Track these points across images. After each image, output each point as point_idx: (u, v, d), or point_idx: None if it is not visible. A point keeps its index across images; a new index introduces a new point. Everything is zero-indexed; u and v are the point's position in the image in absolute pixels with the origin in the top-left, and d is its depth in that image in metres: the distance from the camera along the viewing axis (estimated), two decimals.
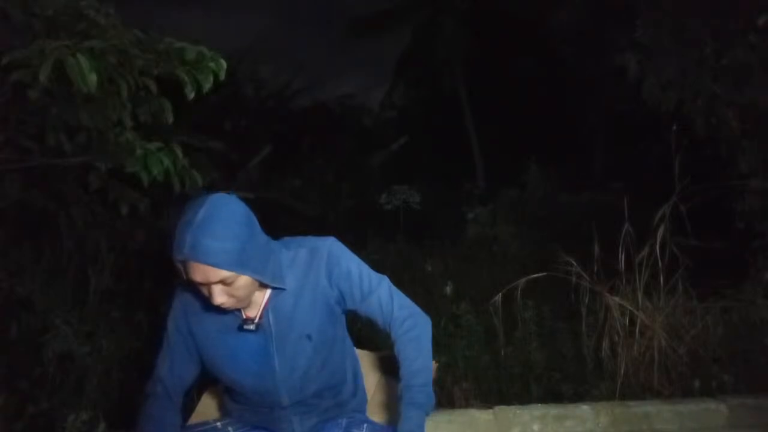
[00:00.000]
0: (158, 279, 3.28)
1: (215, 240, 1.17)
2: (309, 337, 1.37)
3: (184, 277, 1.23)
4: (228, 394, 1.52)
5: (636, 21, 3.67)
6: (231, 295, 1.24)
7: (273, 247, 1.35)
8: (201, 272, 1.19)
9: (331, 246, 1.40)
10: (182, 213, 1.22)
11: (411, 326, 1.39)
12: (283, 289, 1.35)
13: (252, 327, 1.34)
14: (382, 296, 1.40)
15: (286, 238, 1.44)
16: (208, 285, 1.22)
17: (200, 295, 1.30)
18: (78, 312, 2.97)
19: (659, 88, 3.62)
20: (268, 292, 1.37)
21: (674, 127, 3.14)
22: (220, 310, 1.28)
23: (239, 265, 1.20)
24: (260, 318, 1.36)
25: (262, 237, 1.31)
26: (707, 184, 3.06)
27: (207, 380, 1.56)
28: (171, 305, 1.44)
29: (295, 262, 1.37)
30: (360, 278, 1.39)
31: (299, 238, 1.44)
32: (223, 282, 1.21)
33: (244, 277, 1.23)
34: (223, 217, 1.20)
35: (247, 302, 1.31)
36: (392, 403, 1.52)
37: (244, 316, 1.36)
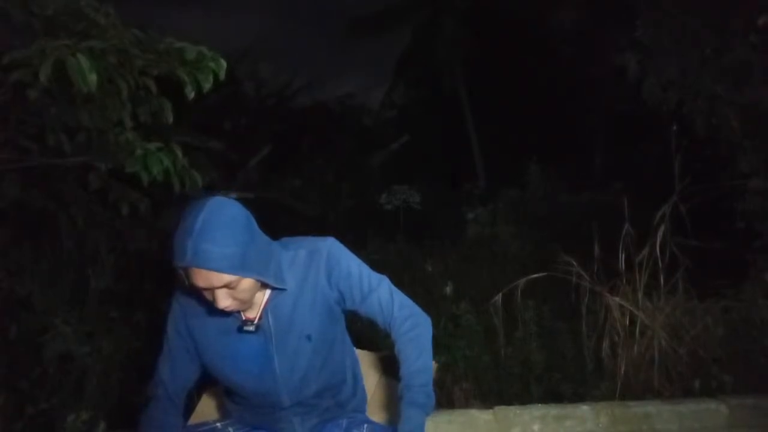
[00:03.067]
0: (158, 279, 3.28)
1: (217, 245, 1.17)
2: (309, 337, 1.37)
3: (186, 282, 1.23)
4: (228, 395, 1.52)
5: (636, 21, 3.66)
6: (234, 298, 1.25)
7: (273, 248, 1.35)
8: (204, 278, 1.19)
9: (330, 246, 1.40)
10: (180, 218, 1.22)
11: (411, 326, 1.39)
12: (284, 290, 1.35)
13: (252, 328, 1.34)
14: (382, 296, 1.40)
15: (285, 239, 1.43)
16: (212, 290, 1.22)
17: (199, 297, 1.30)
18: (78, 312, 2.96)
19: (659, 88, 3.62)
20: (268, 292, 1.37)
21: (674, 127, 3.14)
22: (219, 311, 1.28)
23: (242, 268, 1.20)
24: (260, 319, 1.36)
25: (263, 238, 1.31)
26: (707, 184, 3.06)
27: (207, 381, 1.56)
28: (170, 308, 1.44)
29: (294, 263, 1.37)
30: (360, 278, 1.39)
31: (298, 239, 1.43)
32: (226, 286, 1.22)
33: (247, 279, 1.24)
34: (223, 222, 1.20)
35: (250, 304, 1.31)
36: (392, 403, 1.53)
37: (244, 318, 1.36)
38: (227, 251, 1.18)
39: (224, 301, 1.23)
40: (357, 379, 1.58)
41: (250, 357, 1.37)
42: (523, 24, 12.31)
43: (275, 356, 1.36)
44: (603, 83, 10.23)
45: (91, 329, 2.89)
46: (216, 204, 1.22)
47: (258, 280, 1.27)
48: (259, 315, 1.36)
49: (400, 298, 1.43)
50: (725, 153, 3.51)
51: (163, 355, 1.45)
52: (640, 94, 3.71)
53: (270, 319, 1.36)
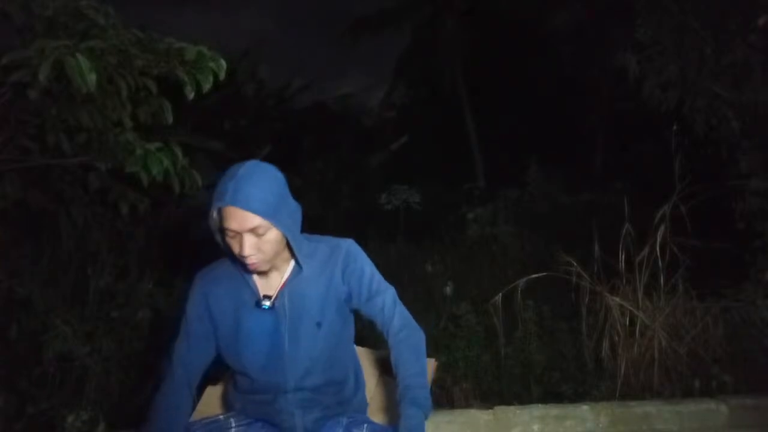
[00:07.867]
0: (158, 279, 3.28)
1: (256, 189, 1.28)
2: (319, 324, 1.42)
3: (216, 225, 1.33)
4: (232, 381, 1.55)
5: (636, 21, 3.66)
6: (259, 249, 1.31)
7: (301, 223, 1.42)
8: (238, 218, 1.27)
9: (350, 245, 1.49)
10: (219, 180, 1.32)
11: (408, 335, 1.45)
12: (301, 274, 1.42)
13: (268, 304, 1.41)
14: (387, 301, 1.47)
15: (306, 234, 1.49)
16: (241, 234, 1.28)
17: (221, 276, 1.44)
18: (78, 312, 2.96)
19: (659, 88, 3.62)
20: (287, 272, 1.43)
21: (674, 127, 3.14)
22: (238, 287, 1.41)
23: (274, 215, 1.30)
24: (276, 298, 1.42)
25: (294, 203, 1.40)
26: (707, 184, 3.06)
27: (208, 379, 1.57)
28: (190, 293, 1.49)
29: (315, 254, 1.45)
30: (371, 279, 1.47)
31: (319, 236, 1.52)
32: (255, 231, 1.29)
33: (274, 230, 1.32)
34: (264, 174, 1.33)
35: (271, 264, 1.38)
36: (392, 403, 1.53)
37: (261, 295, 1.42)
38: (264, 196, 1.28)
39: (250, 248, 1.29)
40: (359, 382, 1.63)
41: (261, 334, 1.42)
42: (523, 24, 12.31)
43: (286, 336, 1.41)
44: (603, 83, 10.23)
45: (91, 329, 2.89)
46: (258, 162, 1.35)
47: (285, 237, 1.34)
48: (275, 295, 1.42)
49: (402, 309, 1.49)
50: (725, 153, 3.52)
51: (180, 338, 1.49)
52: (640, 94, 3.71)
53: (285, 301, 1.42)
